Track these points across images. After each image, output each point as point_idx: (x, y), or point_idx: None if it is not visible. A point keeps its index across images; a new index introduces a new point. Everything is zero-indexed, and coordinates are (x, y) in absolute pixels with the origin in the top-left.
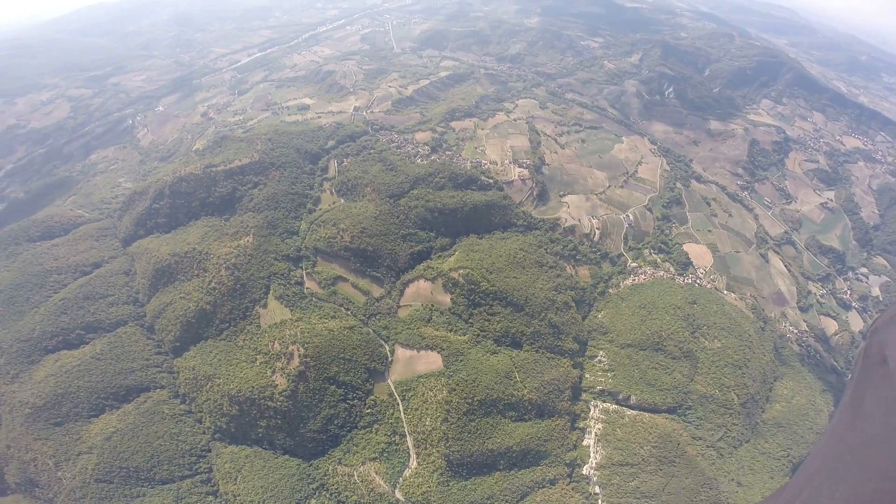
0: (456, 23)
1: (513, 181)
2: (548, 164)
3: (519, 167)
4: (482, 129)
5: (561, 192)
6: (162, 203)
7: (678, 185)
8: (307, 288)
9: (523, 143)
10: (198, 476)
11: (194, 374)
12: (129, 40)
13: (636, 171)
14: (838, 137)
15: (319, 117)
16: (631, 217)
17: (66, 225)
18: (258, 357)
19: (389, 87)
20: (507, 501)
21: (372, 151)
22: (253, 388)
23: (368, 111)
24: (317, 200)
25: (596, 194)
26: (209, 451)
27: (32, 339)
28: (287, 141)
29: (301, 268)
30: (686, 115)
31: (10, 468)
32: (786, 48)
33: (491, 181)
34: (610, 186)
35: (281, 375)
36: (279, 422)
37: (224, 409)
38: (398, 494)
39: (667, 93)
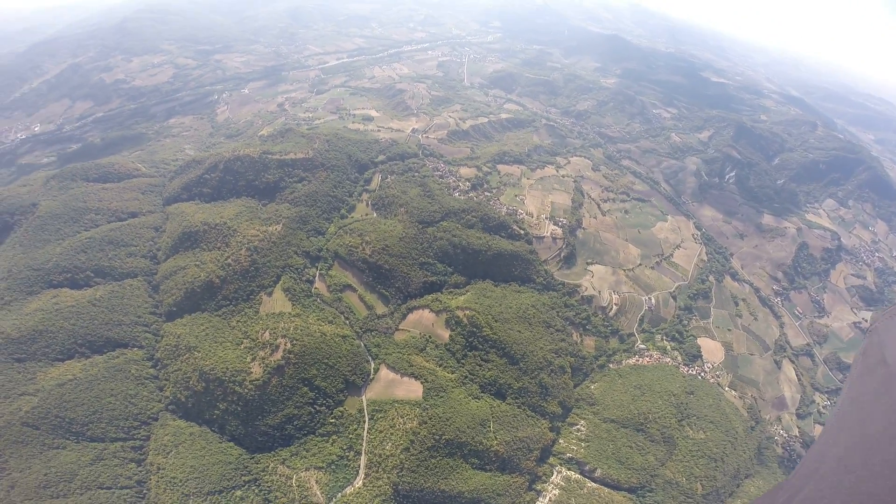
0: (530, 69)
1: (544, 237)
2: (584, 228)
3: (554, 225)
4: (527, 179)
5: (589, 260)
6: (213, 175)
7: (711, 278)
8: (315, 288)
9: (565, 200)
10: (130, 441)
11: (177, 342)
12: (245, 24)
13: (672, 255)
14: None
15: (379, 131)
16: (653, 301)
17: (121, 174)
18: (244, 341)
19: (450, 117)
20: None
21: (416, 175)
22: (227, 369)
23: (424, 135)
24: (351, 208)
25: (624, 270)
26: (156, 419)
27: (43, 269)
28: (342, 146)
29: (316, 268)
30: (741, 204)
31: None
32: (870, 144)
33: (522, 232)
34: (641, 265)
35: (259, 364)
36: (239, 408)
37: (191, 382)
38: None
39: (727, 177)
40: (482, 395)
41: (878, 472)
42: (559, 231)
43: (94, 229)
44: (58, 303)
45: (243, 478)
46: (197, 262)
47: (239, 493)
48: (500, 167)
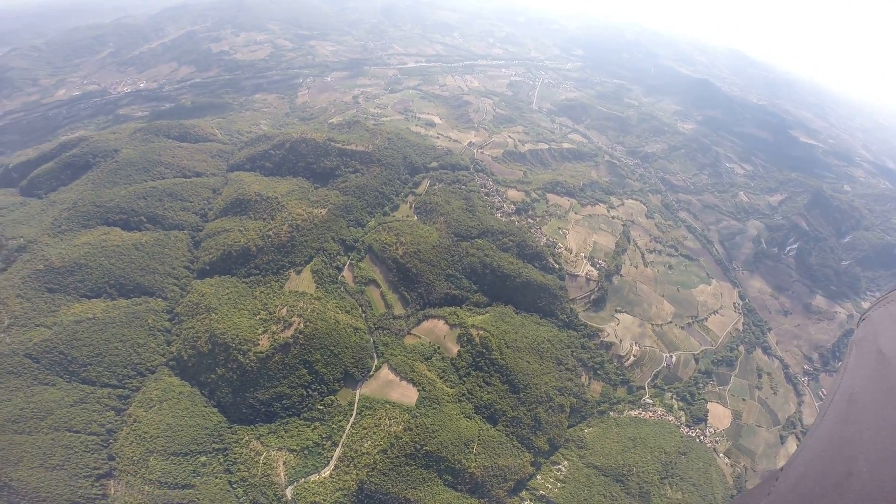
0: (604, 102)
1: (578, 276)
2: (621, 275)
3: (591, 265)
4: (575, 213)
5: (619, 308)
6: (278, 152)
7: (741, 348)
8: (342, 276)
9: (608, 243)
10: (120, 390)
11: (199, 300)
12: (343, 14)
13: (706, 319)
14: None
15: (438, 138)
16: (673, 359)
17: (199, 136)
18: (262, 312)
19: (509, 137)
20: None
21: (463, 187)
22: (237, 336)
23: (479, 150)
24: (395, 207)
25: (652, 324)
26: (153, 373)
27: (104, 207)
28: (400, 146)
29: (348, 257)
30: (794, 280)
31: None
32: None
33: (556, 266)
34: (671, 322)
35: (268, 338)
36: (235, 376)
37: (199, 342)
38: (288, 492)
39: (788, 249)
40: (474, 415)
41: (876, 466)
42: (595, 273)
43: (160, 181)
44: (106, 240)
45: (213, 445)
46: (241, 228)
47: (203, 458)
48: (549, 196)
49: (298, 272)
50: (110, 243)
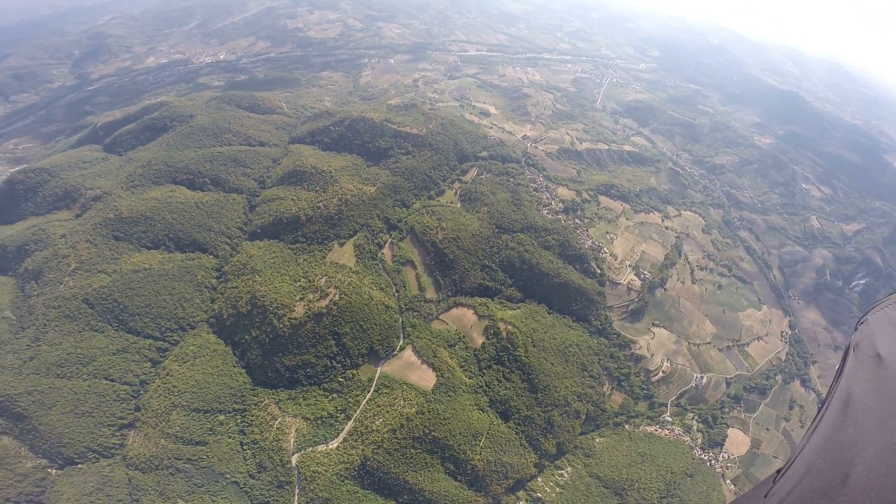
0: (675, 106)
1: (619, 284)
2: (665, 289)
3: (634, 275)
4: (626, 219)
5: (656, 321)
6: (337, 128)
7: (778, 377)
8: (382, 254)
9: (657, 254)
10: (160, 342)
11: (247, 261)
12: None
13: (747, 344)
14: None
15: (491, 128)
16: (703, 380)
17: (266, 108)
18: (302, 280)
19: (567, 134)
20: None
21: (511, 180)
22: (275, 300)
23: (533, 145)
24: (440, 192)
25: (689, 343)
26: (193, 328)
27: (174, 167)
28: (453, 133)
29: (390, 236)
30: (854, 316)
31: (35, 256)
32: None
33: (598, 271)
34: (709, 343)
35: (304, 305)
36: (267, 339)
37: (240, 302)
38: (294, 459)
39: (854, 284)
40: (488, 409)
41: (874, 471)
42: (638, 283)
43: (227, 147)
44: (171, 197)
45: (234, 405)
46: (294, 197)
47: (222, 417)
48: (601, 198)
49: (342, 245)
50: (175, 200)
